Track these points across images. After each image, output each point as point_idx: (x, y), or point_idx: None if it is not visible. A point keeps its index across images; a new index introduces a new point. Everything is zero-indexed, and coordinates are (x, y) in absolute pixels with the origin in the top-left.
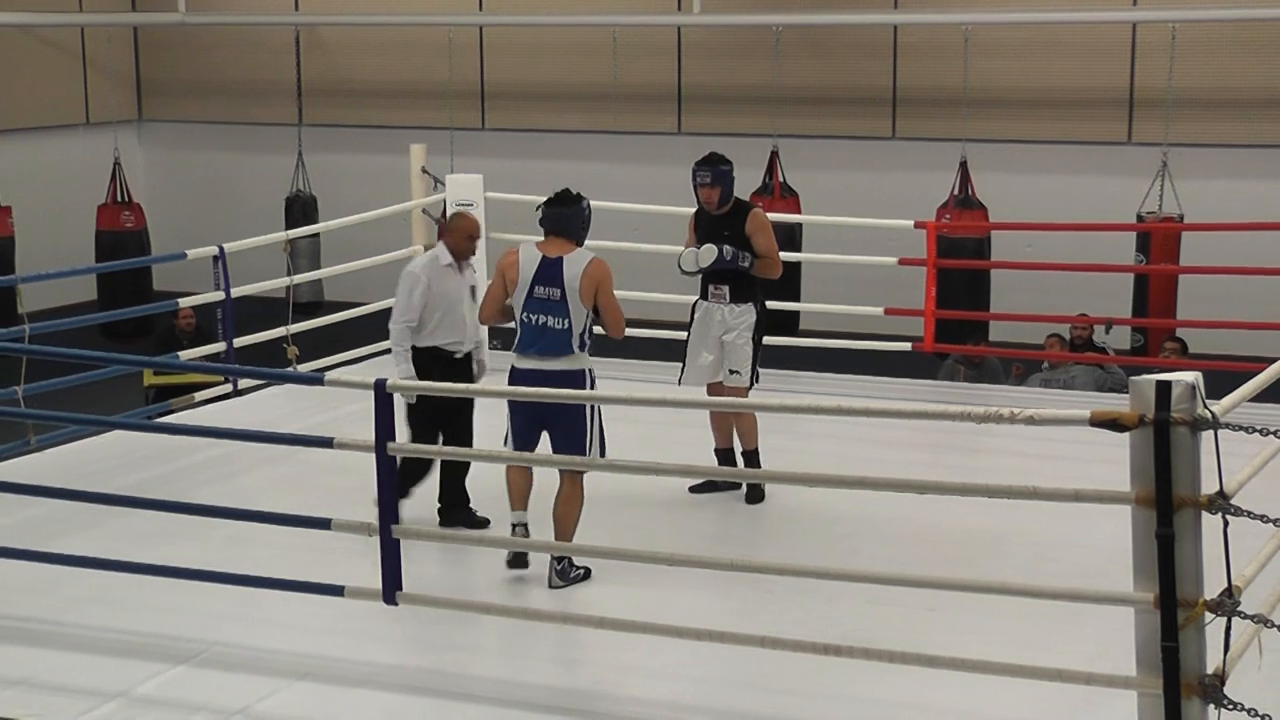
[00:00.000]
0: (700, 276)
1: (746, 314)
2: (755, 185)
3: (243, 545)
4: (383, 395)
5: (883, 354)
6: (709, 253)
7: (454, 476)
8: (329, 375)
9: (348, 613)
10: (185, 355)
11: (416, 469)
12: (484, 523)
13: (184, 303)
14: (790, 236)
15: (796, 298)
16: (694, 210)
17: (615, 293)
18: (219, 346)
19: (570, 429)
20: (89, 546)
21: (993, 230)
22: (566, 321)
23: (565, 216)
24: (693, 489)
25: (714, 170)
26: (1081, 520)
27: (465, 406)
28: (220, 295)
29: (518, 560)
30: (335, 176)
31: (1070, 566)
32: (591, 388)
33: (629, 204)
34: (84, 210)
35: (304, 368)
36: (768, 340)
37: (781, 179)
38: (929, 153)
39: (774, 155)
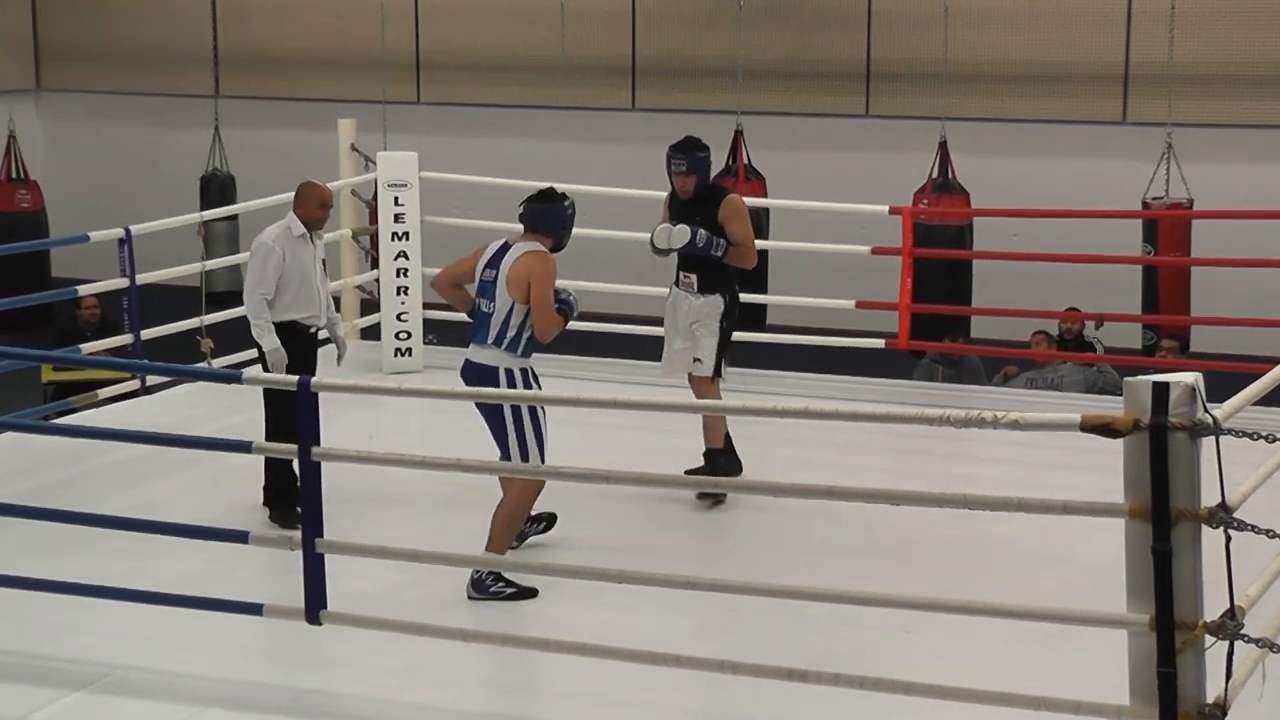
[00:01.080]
0: (675, 260)
1: (713, 304)
2: (718, 167)
3: (151, 559)
4: (307, 394)
5: (854, 351)
6: (681, 234)
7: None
8: (247, 372)
9: (267, 633)
10: (87, 349)
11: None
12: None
13: (86, 290)
14: (757, 223)
15: (763, 289)
16: (668, 192)
17: (568, 287)
18: (125, 339)
19: (495, 430)
20: None
21: (975, 217)
22: (492, 305)
23: (543, 214)
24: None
25: (690, 158)
26: (1071, 534)
27: (313, 373)
28: (126, 282)
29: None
30: (255, 153)
31: (1058, 584)
32: (516, 388)
33: (578, 185)
34: None
35: (219, 363)
36: (738, 336)
37: (746, 160)
38: (906, 132)
39: (738, 134)
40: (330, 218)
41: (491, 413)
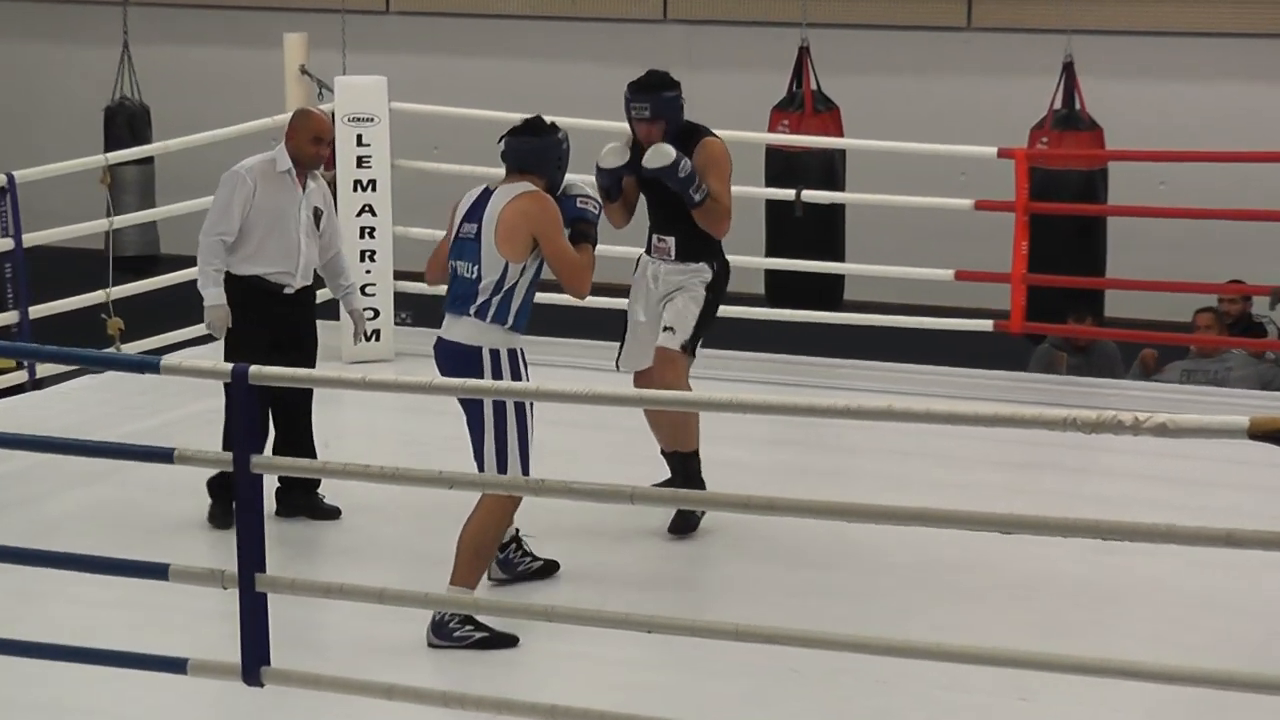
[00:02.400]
0: (649, 227)
1: (699, 271)
2: (778, 92)
3: (40, 601)
4: (245, 388)
5: (952, 335)
6: (661, 154)
7: (296, 449)
8: (166, 359)
9: (191, 695)
10: None
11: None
12: (333, 512)
13: None
14: (829, 170)
15: (838, 255)
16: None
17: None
18: (8, 318)
19: (471, 425)
20: None
21: (1110, 160)
22: (476, 269)
23: (532, 150)
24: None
25: (655, 99)
26: (1233, 572)
27: (310, 356)
28: (9, 244)
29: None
30: (176, 78)
31: (1217, 637)
32: (503, 375)
33: (597, 120)
34: None
35: (130, 347)
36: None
37: (814, 86)
38: (1019, 50)
39: (803, 53)
40: (329, 155)
41: (469, 402)
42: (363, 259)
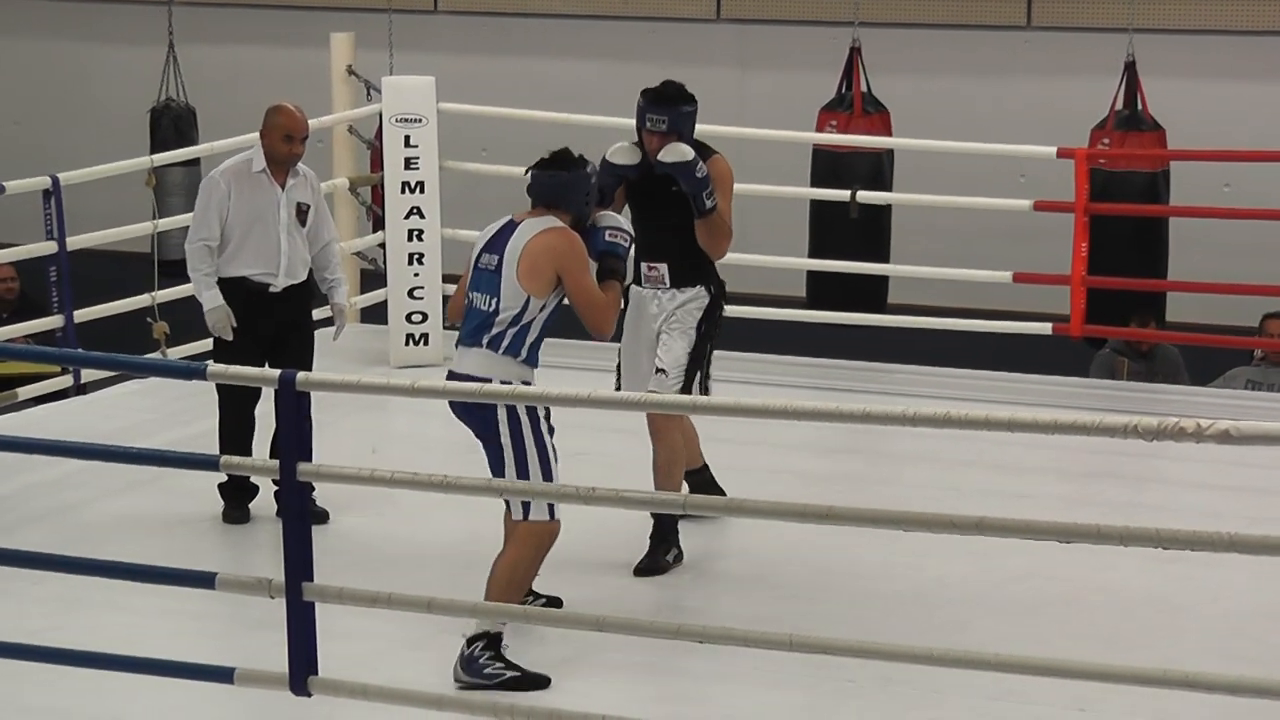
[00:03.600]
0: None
1: (694, 299)
2: (827, 93)
3: (85, 610)
4: (292, 394)
5: (1010, 339)
6: (678, 151)
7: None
8: (212, 365)
9: (238, 706)
10: (3, 334)
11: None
12: (322, 516)
13: (1, 258)
14: (876, 171)
15: (883, 257)
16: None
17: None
18: (53, 322)
19: (491, 457)
20: None
21: (1173, 160)
22: (494, 301)
23: (561, 185)
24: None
25: (673, 113)
26: None
27: (303, 355)
28: (53, 247)
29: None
30: (222, 78)
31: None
32: (522, 410)
33: None
34: None
35: (175, 352)
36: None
37: (865, 87)
38: (1079, 48)
39: (854, 53)
40: (304, 152)
41: (486, 432)
42: (411, 262)
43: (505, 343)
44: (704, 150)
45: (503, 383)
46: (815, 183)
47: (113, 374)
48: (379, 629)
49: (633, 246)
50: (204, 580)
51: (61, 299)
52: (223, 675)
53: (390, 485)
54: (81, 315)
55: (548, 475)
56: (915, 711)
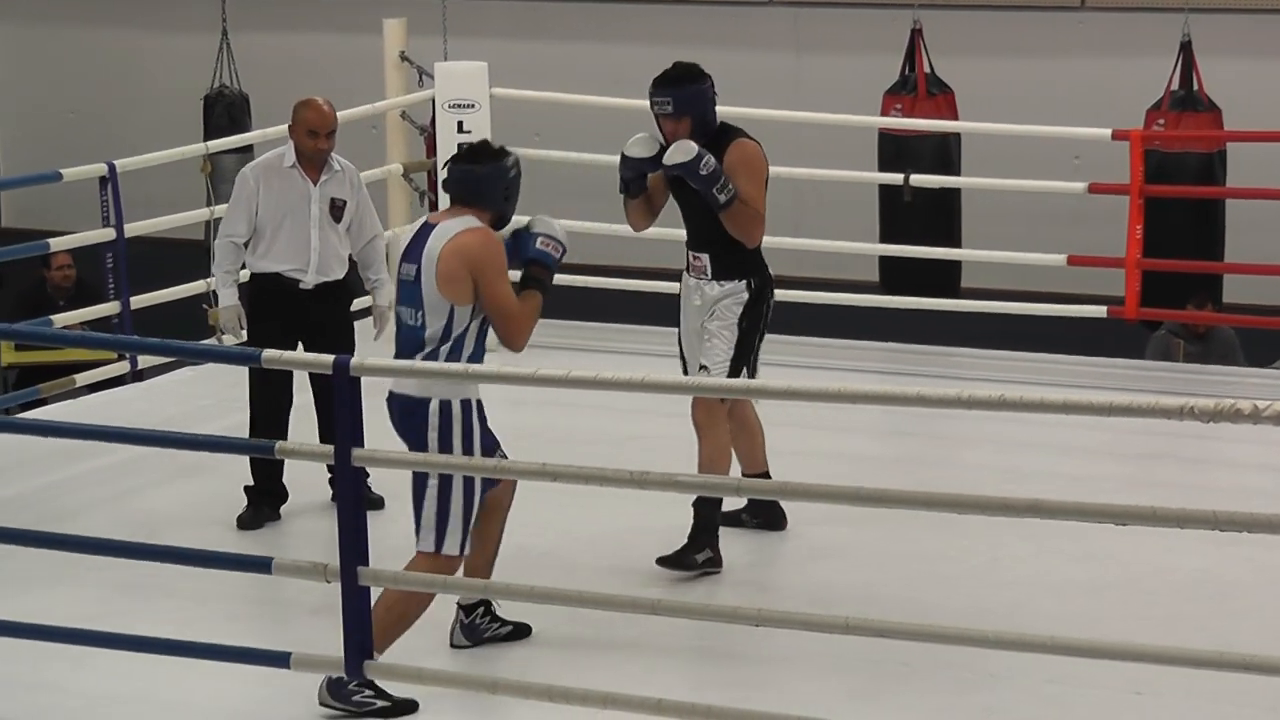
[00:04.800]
0: (685, 243)
1: (733, 294)
2: (890, 79)
3: (143, 595)
4: (346, 380)
5: (1065, 322)
6: (684, 149)
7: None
8: (267, 352)
9: (294, 690)
10: (59, 321)
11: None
12: (377, 502)
13: (57, 245)
14: (943, 154)
15: (955, 242)
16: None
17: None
18: (109, 308)
19: (416, 477)
20: None
21: (1230, 141)
22: (419, 315)
23: (475, 180)
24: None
25: (678, 94)
26: None
27: (337, 352)
28: (110, 234)
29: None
30: (275, 65)
31: None
32: (452, 431)
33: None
34: None
35: (231, 339)
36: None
37: (927, 68)
38: (1134, 28)
39: (915, 35)
40: (332, 147)
41: (416, 448)
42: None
43: (441, 360)
44: (730, 133)
45: (441, 401)
46: (882, 166)
47: (169, 360)
48: (431, 613)
49: (563, 258)
50: (260, 565)
51: (118, 285)
52: (279, 660)
53: (444, 470)
54: (138, 301)
55: (469, 508)
56: (971, 695)
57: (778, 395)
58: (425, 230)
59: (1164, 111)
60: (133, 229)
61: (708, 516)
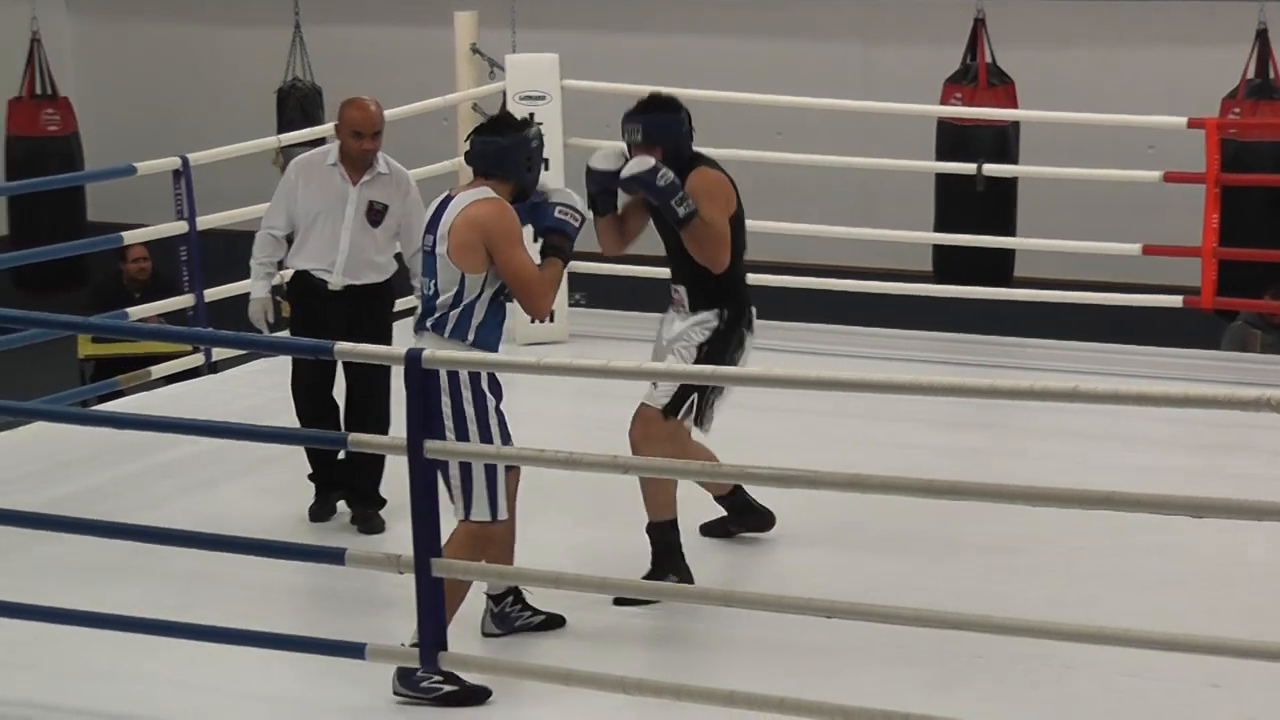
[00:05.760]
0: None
1: (704, 321)
2: (951, 64)
3: (218, 585)
4: (418, 372)
5: (1140, 311)
6: (641, 162)
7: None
8: (339, 344)
9: (368, 681)
10: (135, 314)
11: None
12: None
13: (131, 238)
14: (1001, 143)
15: (1009, 229)
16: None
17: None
18: (184, 301)
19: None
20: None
21: None
22: (433, 284)
23: (496, 152)
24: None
25: (647, 121)
26: None
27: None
28: (184, 227)
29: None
30: (348, 58)
31: None
32: (461, 398)
33: (774, 95)
34: None
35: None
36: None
37: (989, 59)
38: (1209, 15)
39: (978, 25)
40: (377, 148)
41: (436, 433)
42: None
43: (449, 326)
44: (696, 161)
45: (449, 372)
46: (940, 156)
47: (242, 352)
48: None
49: (582, 227)
50: (334, 556)
51: (192, 278)
52: (354, 651)
53: (517, 462)
54: (212, 294)
55: (492, 471)
56: (1045, 688)
57: (849, 387)
58: (445, 202)
59: (1239, 100)
60: (205, 222)
61: (662, 539)
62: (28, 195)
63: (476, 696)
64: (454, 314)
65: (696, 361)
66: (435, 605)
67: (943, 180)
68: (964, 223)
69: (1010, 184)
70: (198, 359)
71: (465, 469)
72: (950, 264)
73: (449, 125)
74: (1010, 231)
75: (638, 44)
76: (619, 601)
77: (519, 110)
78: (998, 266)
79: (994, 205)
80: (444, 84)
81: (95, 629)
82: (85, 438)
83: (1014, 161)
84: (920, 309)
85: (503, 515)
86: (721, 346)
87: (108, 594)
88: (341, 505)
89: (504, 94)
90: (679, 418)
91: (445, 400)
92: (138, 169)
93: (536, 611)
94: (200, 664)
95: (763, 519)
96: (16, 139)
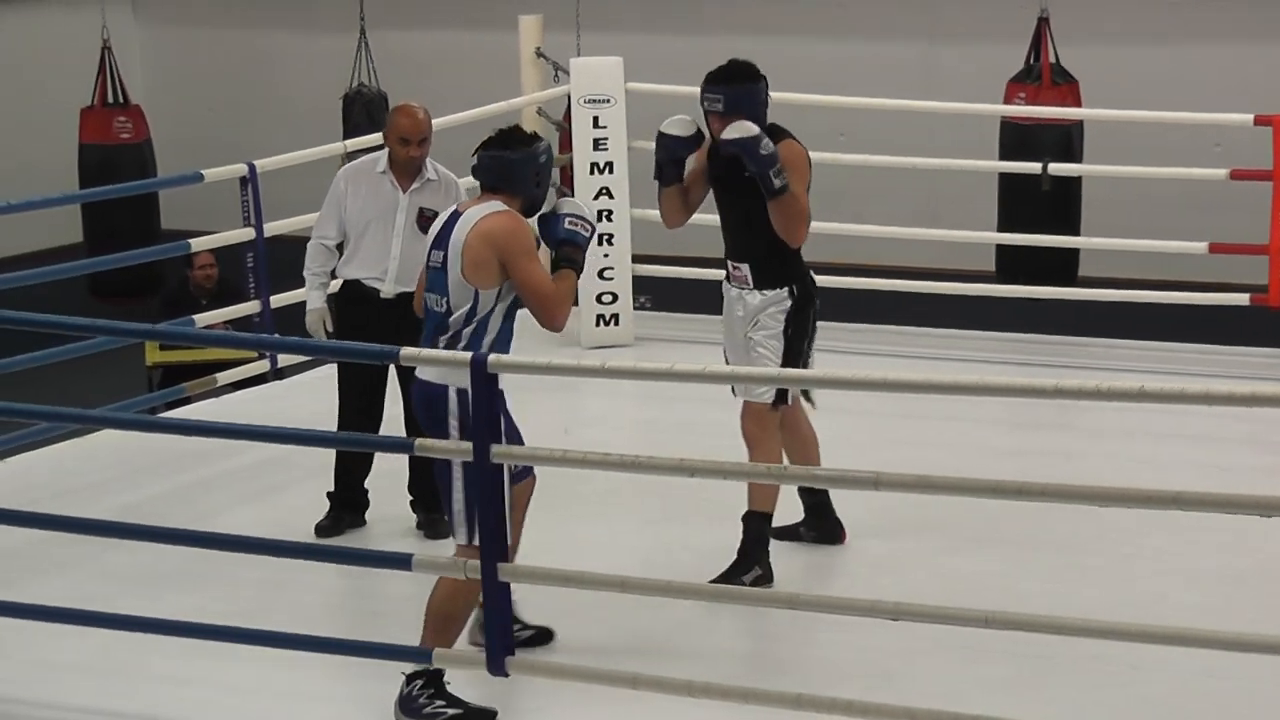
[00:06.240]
0: (725, 252)
1: (777, 300)
2: (1014, 64)
3: (287, 592)
4: (484, 377)
5: (1206, 310)
6: (741, 128)
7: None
8: (406, 350)
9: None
10: (202, 320)
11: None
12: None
13: (199, 245)
14: (1066, 142)
15: (1073, 228)
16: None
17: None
18: (251, 307)
19: (439, 475)
20: (68, 594)
21: None
22: (444, 301)
23: (506, 166)
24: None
25: (729, 92)
26: None
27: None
28: (251, 234)
29: None
30: (413, 63)
31: None
32: (468, 419)
33: (839, 96)
34: (61, 116)
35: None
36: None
37: (1053, 58)
38: (1275, 11)
39: (1042, 24)
40: (425, 154)
41: (437, 436)
42: (600, 242)
43: (462, 344)
44: (777, 134)
45: (458, 389)
46: (1004, 155)
47: (308, 359)
48: (566, 605)
49: (594, 237)
50: (401, 561)
51: (259, 285)
52: (422, 656)
53: (582, 466)
54: (278, 300)
55: (474, 522)
56: (1113, 689)
57: (915, 389)
58: (453, 218)
59: None
60: (272, 228)
61: (756, 531)
62: (101, 203)
63: (482, 717)
64: (467, 331)
65: (785, 343)
66: (504, 611)
67: (1007, 180)
68: (1028, 222)
69: (1075, 183)
70: (264, 365)
71: (469, 495)
72: (1014, 264)
73: (428, 140)
74: (1074, 231)
75: (701, 45)
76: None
77: (583, 114)
78: (1062, 266)
79: (1058, 204)
80: (508, 88)
81: (163, 635)
82: (153, 445)
83: (1078, 160)
84: (984, 309)
85: (506, 544)
86: (802, 324)
87: (176, 601)
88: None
89: (568, 97)
90: (789, 403)
91: (453, 423)
92: (205, 176)
93: (525, 625)
94: (268, 670)
95: (834, 531)
96: (90, 147)
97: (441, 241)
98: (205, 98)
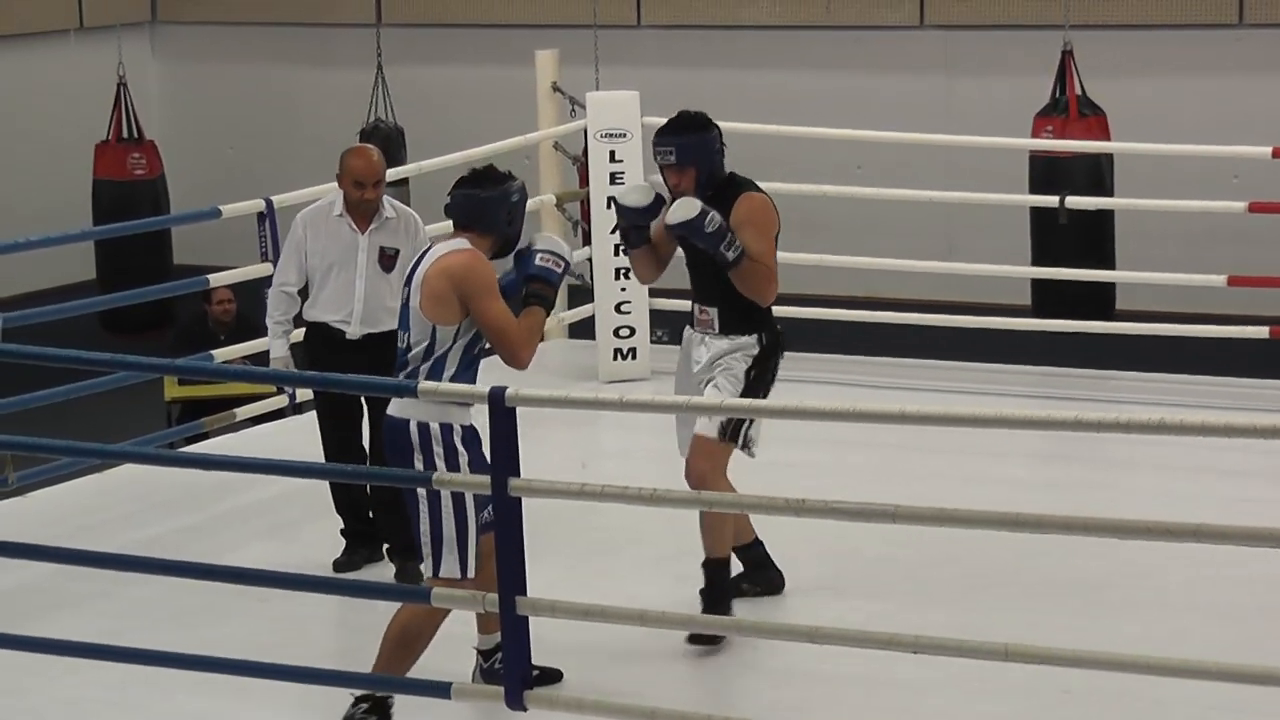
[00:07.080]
0: (691, 295)
1: (744, 346)
2: (1041, 101)
3: (307, 626)
4: (502, 410)
5: (1225, 343)
6: (688, 206)
7: (384, 506)
8: (423, 384)
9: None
10: (220, 356)
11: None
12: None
13: (217, 281)
14: (1096, 175)
15: (1109, 264)
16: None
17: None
18: (268, 342)
19: (409, 500)
20: (88, 628)
21: None
22: (406, 336)
23: (478, 205)
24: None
25: (680, 142)
26: None
27: (375, 406)
28: (268, 269)
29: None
30: (429, 98)
31: None
32: (432, 454)
33: (850, 130)
34: (75, 151)
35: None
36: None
37: (1079, 90)
38: None
39: (1066, 56)
40: (378, 196)
41: (406, 488)
42: (617, 276)
43: (421, 379)
44: (735, 185)
45: (419, 424)
46: (1033, 189)
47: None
48: (589, 639)
49: (566, 273)
50: (420, 595)
51: None
52: (440, 690)
53: (600, 499)
54: (297, 336)
55: (462, 528)
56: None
57: (938, 422)
58: (424, 255)
59: None
60: None
61: (719, 580)
62: (115, 239)
63: None
64: (425, 367)
65: (745, 385)
66: (522, 643)
67: (1037, 213)
68: (1061, 256)
69: (1106, 216)
70: (282, 400)
71: (435, 525)
72: (1049, 298)
73: (531, 164)
74: (1108, 264)
75: (718, 79)
76: (693, 639)
77: (599, 148)
78: (1096, 299)
79: (1089, 237)
80: (525, 122)
81: (184, 670)
82: (172, 480)
83: (1109, 193)
84: (1014, 343)
85: (471, 573)
86: (764, 373)
87: (195, 635)
88: None
89: (585, 132)
90: (737, 444)
91: (416, 457)
92: (223, 211)
93: (533, 666)
94: (287, 705)
95: (774, 580)
96: (104, 183)
97: (409, 279)
98: (223, 133)
